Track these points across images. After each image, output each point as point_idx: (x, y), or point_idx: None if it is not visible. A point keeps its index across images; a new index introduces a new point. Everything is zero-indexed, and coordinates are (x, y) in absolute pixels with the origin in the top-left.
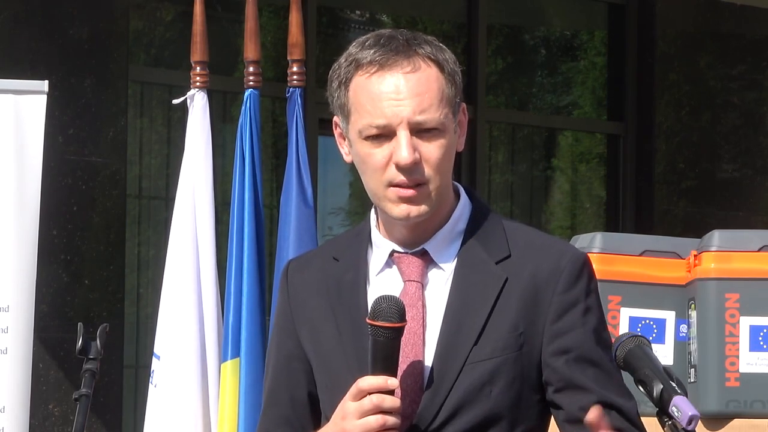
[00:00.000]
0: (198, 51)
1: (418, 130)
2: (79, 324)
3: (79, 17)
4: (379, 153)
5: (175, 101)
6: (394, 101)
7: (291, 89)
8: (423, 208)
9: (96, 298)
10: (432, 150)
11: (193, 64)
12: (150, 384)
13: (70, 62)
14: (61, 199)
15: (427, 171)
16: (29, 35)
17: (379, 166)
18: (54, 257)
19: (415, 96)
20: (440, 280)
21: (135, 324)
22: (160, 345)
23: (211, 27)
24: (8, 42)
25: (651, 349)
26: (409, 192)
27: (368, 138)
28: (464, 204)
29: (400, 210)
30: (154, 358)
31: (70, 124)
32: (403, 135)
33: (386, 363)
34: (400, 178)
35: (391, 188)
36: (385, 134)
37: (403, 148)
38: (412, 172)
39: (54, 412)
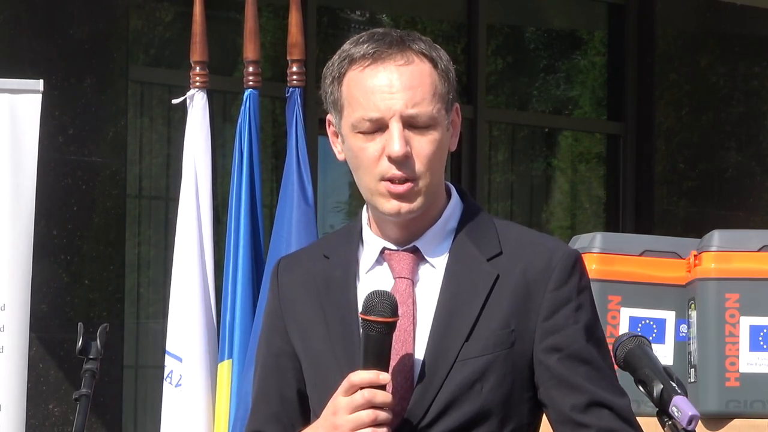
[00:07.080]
0: (197, 51)
1: (411, 124)
2: (79, 324)
3: (79, 17)
4: (371, 147)
5: (175, 101)
6: (387, 94)
7: (291, 89)
8: (414, 205)
9: (96, 298)
10: (423, 144)
11: (192, 64)
12: (167, 383)
13: (70, 62)
14: (61, 199)
15: (418, 166)
16: (29, 35)
17: (371, 159)
18: (54, 257)
19: (407, 89)
20: (431, 277)
21: (135, 324)
22: (178, 345)
23: (211, 27)
24: (8, 42)
25: (651, 349)
26: (400, 188)
27: (361, 132)
28: (455, 203)
29: (391, 206)
30: (171, 358)
31: (70, 124)
32: (395, 127)
33: (378, 358)
34: (392, 171)
35: (383, 182)
36: (378, 128)
37: (395, 140)
38: (403, 165)
39: (54, 412)
